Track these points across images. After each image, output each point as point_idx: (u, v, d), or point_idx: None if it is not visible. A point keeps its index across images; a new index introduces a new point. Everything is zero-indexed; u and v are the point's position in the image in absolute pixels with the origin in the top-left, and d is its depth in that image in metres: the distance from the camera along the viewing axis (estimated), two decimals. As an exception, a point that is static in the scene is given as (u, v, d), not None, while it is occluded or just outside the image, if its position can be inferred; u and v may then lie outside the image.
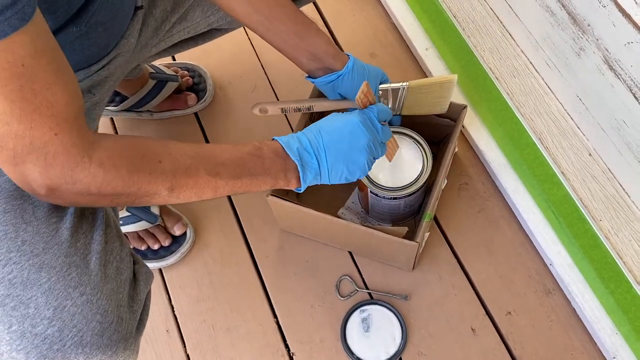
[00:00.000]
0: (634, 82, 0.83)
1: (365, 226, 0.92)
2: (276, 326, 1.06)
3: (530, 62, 1.12)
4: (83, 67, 0.79)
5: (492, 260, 1.07)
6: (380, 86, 0.92)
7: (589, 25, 0.88)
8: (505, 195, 1.11)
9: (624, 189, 0.98)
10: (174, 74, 1.24)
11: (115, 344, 0.64)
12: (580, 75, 0.97)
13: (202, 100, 1.26)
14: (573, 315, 1.01)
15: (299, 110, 0.93)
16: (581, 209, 1.00)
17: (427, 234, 1.02)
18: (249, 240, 1.14)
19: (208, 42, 1.09)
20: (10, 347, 0.60)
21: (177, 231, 1.10)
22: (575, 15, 0.91)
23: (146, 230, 1.09)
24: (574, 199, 1.01)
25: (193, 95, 1.25)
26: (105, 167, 0.60)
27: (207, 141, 1.24)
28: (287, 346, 1.04)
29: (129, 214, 1.07)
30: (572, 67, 0.98)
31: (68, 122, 0.58)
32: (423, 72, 1.26)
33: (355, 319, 1.04)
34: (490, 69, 1.14)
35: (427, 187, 0.99)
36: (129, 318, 0.67)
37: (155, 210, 1.08)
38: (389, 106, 0.94)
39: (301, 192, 0.78)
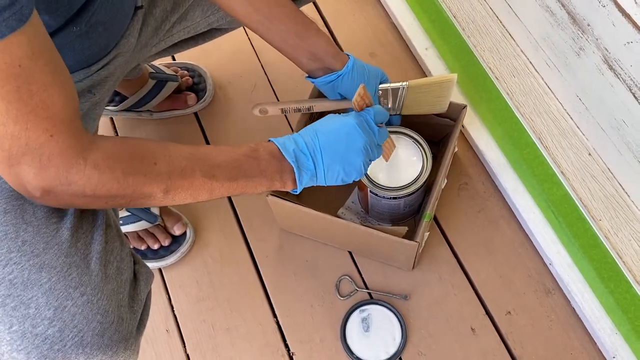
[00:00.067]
0: (634, 82, 0.83)
1: (365, 226, 0.92)
2: (276, 326, 1.06)
3: (530, 62, 1.12)
4: (83, 66, 0.79)
5: (491, 260, 1.07)
6: (380, 86, 0.92)
7: (588, 25, 0.88)
8: (505, 195, 1.11)
9: (623, 189, 0.98)
10: (174, 73, 1.24)
11: (116, 344, 0.64)
12: (580, 75, 0.97)
13: (202, 100, 1.26)
14: (573, 314, 1.01)
15: (299, 110, 0.93)
16: (581, 208, 1.00)
17: (426, 234, 1.02)
18: (248, 240, 1.14)
19: (208, 42, 1.09)
20: (11, 348, 0.60)
21: (177, 231, 1.10)
22: (575, 15, 0.91)
23: (146, 230, 1.09)
24: (574, 198, 1.01)
25: (193, 95, 1.25)
26: (100, 169, 0.60)
27: (207, 141, 1.24)
28: (287, 346, 1.04)
29: (128, 213, 1.07)
30: (572, 67, 0.98)
31: (64, 124, 0.58)
32: (423, 72, 1.26)
33: (355, 318, 1.04)
34: (490, 68, 1.14)
35: (427, 187, 0.99)
36: (129, 318, 0.67)
37: (155, 210, 1.08)
38: (389, 106, 0.94)
39: (297, 193, 0.78)
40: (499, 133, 1.11)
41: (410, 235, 0.92)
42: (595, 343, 0.99)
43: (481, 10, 1.20)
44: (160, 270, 1.12)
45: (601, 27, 0.86)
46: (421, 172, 0.95)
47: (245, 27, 0.91)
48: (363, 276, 1.08)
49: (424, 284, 1.06)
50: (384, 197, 0.95)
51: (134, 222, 1.07)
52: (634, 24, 0.78)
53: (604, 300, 0.97)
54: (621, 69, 0.85)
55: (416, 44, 1.26)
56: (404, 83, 0.91)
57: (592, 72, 0.92)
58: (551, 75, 1.06)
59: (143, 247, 1.10)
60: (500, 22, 1.17)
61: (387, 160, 0.92)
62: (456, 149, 1.14)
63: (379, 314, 1.04)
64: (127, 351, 0.66)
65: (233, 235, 1.14)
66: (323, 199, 1.10)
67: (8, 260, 0.62)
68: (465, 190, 1.13)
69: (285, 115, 1.24)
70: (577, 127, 1.04)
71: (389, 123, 0.99)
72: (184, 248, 1.11)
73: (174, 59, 1.34)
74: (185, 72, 1.28)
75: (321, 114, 0.96)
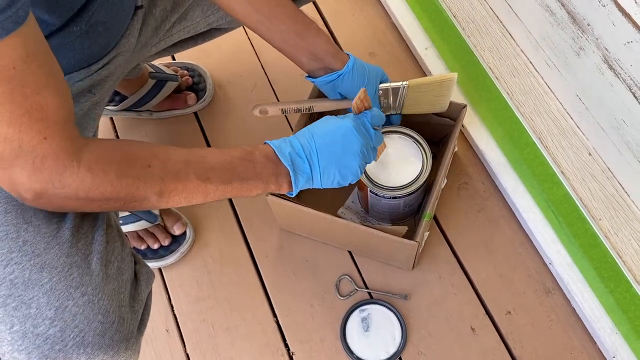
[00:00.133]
0: (634, 82, 0.83)
1: (365, 225, 0.92)
2: (276, 325, 1.06)
3: (530, 62, 1.12)
4: (83, 66, 0.78)
5: (491, 260, 1.07)
6: (381, 85, 0.92)
7: (588, 24, 0.89)
8: (505, 195, 1.11)
9: (623, 188, 0.98)
10: (174, 73, 1.24)
11: (117, 344, 0.64)
12: (580, 74, 0.97)
13: (202, 100, 1.26)
14: (573, 314, 1.01)
15: (299, 110, 0.93)
16: (581, 208, 1.00)
17: (426, 234, 1.02)
18: (248, 240, 1.14)
19: (208, 42, 1.09)
20: (12, 348, 0.60)
21: (176, 231, 1.10)
22: (575, 14, 0.91)
23: (146, 230, 1.09)
24: (574, 198, 1.01)
25: (193, 94, 1.25)
26: (94, 172, 0.60)
27: (206, 140, 1.24)
28: (286, 345, 1.04)
29: (128, 213, 1.07)
30: (572, 67, 0.98)
31: (58, 126, 0.58)
32: (422, 72, 1.26)
33: (355, 318, 1.04)
34: (490, 68, 1.14)
35: (427, 187, 0.99)
36: (130, 318, 0.67)
37: (154, 210, 1.08)
38: (390, 105, 0.94)
39: (293, 196, 0.78)
40: (499, 133, 1.11)
41: (410, 235, 0.92)
42: (595, 343, 0.99)
43: (481, 10, 1.20)
44: (160, 270, 1.12)
45: (601, 27, 0.86)
46: (421, 172, 0.95)
47: (245, 27, 0.91)
48: (363, 276, 1.08)
49: (423, 284, 1.06)
50: (384, 196, 0.95)
51: (134, 222, 1.07)
52: (634, 23, 0.78)
53: (603, 300, 0.97)
54: (621, 68, 0.85)
55: (416, 43, 1.26)
56: (404, 82, 0.91)
57: (592, 72, 0.92)
58: (551, 75, 1.06)
59: (143, 247, 1.10)
60: (500, 21, 1.17)
61: (376, 160, 0.91)
62: (456, 149, 1.14)
63: (378, 314, 1.04)
64: (128, 351, 0.66)
65: (233, 235, 1.14)
66: (323, 198, 1.09)
67: (9, 260, 0.62)
68: (465, 189, 1.13)
69: (285, 116, 1.24)
70: (577, 126, 1.04)
71: (389, 123, 0.99)
72: (183, 248, 1.11)
73: (173, 58, 1.34)
74: (185, 71, 1.28)
75: (321, 114, 0.96)
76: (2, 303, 0.61)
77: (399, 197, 0.95)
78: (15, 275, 0.61)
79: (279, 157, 0.73)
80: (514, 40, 1.15)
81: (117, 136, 1.27)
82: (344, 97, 0.91)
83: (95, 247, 0.67)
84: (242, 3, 0.84)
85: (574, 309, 1.02)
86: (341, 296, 1.06)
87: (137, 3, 0.85)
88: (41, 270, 0.62)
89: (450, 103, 0.97)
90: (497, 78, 1.13)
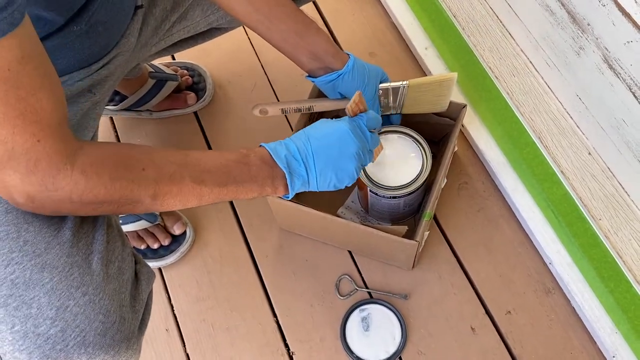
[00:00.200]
0: (634, 81, 0.83)
1: (365, 225, 0.92)
2: (276, 325, 1.06)
3: (530, 61, 1.12)
4: (83, 66, 0.78)
5: (491, 259, 1.07)
6: (381, 85, 0.92)
7: (588, 24, 0.89)
8: (505, 194, 1.11)
9: (623, 188, 0.98)
10: (174, 73, 1.24)
11: (118, 344, 0.64)
12: (580, 74, 0.97)
13: (202, 100, 1.26)
14: (572, 314, 1.02)
15: (299, 110, 0.93)
16: (581, 208, 1.01)
17: (426, 233, 1.02)
18: (248, 240, 1.14)
19: (208, 41, 1.09)
20: (13, 347, 0.60)
21: (176, 230, 1.10)
22: (575, 14, 0.91)
23: (146, 230, 1.09)
24: (574, 198, 1.02)
25: (192, 94, 1.25)
26: (87, 175, 0.60)
27: (206, 140, 1.24)
28: (286, 345, 1.04)
29: (128, 213, 1.07)
30: (572, 66, 0.98)
31: (51, 129, 0.57)
32: (422, 72, 1.26)
33: (354, 318, 1.04)
34: (490, 68, 1.14)
35: (427, 186, 0.99)
36: (131, 318, 0.67)
37: (154, 210, 1.08)
38: (390, 105, 0.94)
39: (289, 199, 0.77)
40: (499, 132, 1.11)
41: (410, 235, 0.92)
42: (595, 342, 0.99)
43: (481, 10, 1.20)
44: (160, 269, 1.12)
45: (601, 27, 0.86)
46: (421, 172, 0.95)
47: (245, 27, 0.91)
48: (363, 275, 1.08)
49: (423, 283, 1.06)
50: (383, 196, 0.95)
51: (134, 222, 1.07)
52: (634, 23, 0.78)
53: (603, 300, 0.97)
54: (621, 68, 0.85)
55: (416, 43, 1.26)
56: (404, 82, 0.91)
57: (592, 72, 0.92)
58: (551, 74, 1.07)
59: (143, 247, 1.10)
60: (500, 21, 1.17)
61: (373, 162, 0.91)
62: (456, 148, 1.14)
63: (378, 314, 1.04)
64: (129, 351, 0.66)
65: (233, 235, 1.14)
66: (323, 198, 1.09)
67: (10, 260, 0.62)
68: (465, 189, 1.13)
69: (285, 116, 1.24)
70: (577, 126, 1.05)
71: (389, 122, 0.99)
72: (183, 247, 1.11)
73: (173, 58, 1.34)
74: (185, 71, 1.28)
75: (321, 114, 0.96)
76: (3, 303, 0.61)
77: (399, 197, 0.95)
78: (16, 275, 0.61)
79: (275, 159, 0.73)
80: (514, 40, 1.15)
81: (117, 136, 1.27)
82: (344, 97, 0.91)
83: (96, 247, 0.67)
84: (242, 2, 0.84)
85: (573, 308, 1.02)
86: (341, 296, 1.06)
87: (137, 3, 0.85)
88: (42, 270, 0.62)
89: (450, 103, 0.97)
90: (497, 78, 1.13)
